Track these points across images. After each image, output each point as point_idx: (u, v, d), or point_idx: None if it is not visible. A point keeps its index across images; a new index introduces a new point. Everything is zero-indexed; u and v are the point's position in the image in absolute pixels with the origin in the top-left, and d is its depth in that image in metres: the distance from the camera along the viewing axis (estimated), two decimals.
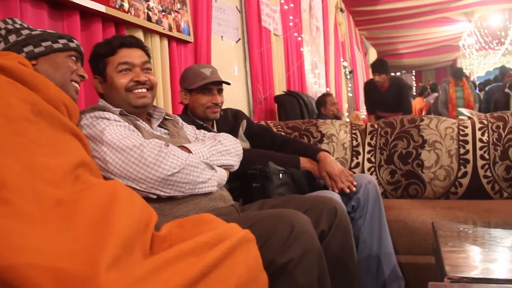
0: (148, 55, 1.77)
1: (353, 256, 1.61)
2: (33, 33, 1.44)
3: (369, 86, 5.88)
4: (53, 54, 1.43)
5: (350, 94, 9.11)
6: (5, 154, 1.00)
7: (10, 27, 1.42)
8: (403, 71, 17.85)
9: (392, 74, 6.62)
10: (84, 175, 1.18)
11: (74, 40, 1.53)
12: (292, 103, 4.53)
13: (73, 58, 1.50)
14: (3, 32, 1.41)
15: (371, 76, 6.13)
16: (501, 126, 2.57)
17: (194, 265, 0.87)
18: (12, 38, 1.40)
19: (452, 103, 7.18)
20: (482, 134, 2.59)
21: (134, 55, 1.69)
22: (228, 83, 2.21)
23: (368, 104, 6.04)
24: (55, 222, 0.92)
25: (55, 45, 1.44)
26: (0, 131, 1.04)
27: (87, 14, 2.14)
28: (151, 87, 1.71)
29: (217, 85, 2.16)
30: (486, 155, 2.54)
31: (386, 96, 5.50)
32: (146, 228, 1.04)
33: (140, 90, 1.68)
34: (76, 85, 1.51)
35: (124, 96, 1.67)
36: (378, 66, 5.55)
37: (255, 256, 1.05)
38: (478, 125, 2.62)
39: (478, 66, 15.04)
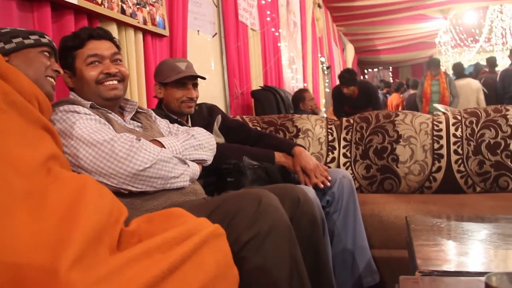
0: (117, 46, 1.74)
1: (324, 250, 1.59)
2: (2, 31, 1.41)
3: (338, 93, 5.76)
4: (25, 50, 1.40)
5: (328, 90, 9.14)
6: None
7: None
8: (380, 67, 18.01)
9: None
10: (55, 168, 1.15)
11: (46, 36, 1.49)
12: (269, 98, 4.53)
13: (46, 53, 1.46)
14: None
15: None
16: (474, 122, 2.60)
17: (161, 262, 0.85)
18: None
19: (426, 97, 6.79)
20: (456, 129, 2.62)
21: (103, 47, 1.66)
22: (203, 78, 2.19)
23: (336, 111, 5.93)
24: (22, 214, 0.89)
25: (26, 41, 1.41)
26: None
27: (58, 6, 2.08)
28: (122, 79, 1.68)
29: (192, 80, 2.14)
30: (459, 150, 2.57)
31: (356, 102, 5.47)
32: (115, 223, 1.01)
33: (110, 82, 1.64)
34: (52, 80, 1.47)
35: (95, 89, 1.63)
36: (346, 79, 5.42)
37: (225, 251, 1.04)
38: (452, 121, 2.65)
39: (454, 62, 15.23)
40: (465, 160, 2.56)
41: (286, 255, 1.26)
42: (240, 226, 1.21)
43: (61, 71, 1.53)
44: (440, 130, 2.63)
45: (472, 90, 6.76)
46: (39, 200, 0.96)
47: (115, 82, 1.65)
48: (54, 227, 0.87)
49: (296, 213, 1.50)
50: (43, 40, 1.46)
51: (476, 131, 2.57)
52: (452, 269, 1.07)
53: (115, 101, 1.69)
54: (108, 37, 1.70)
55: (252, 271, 1.20)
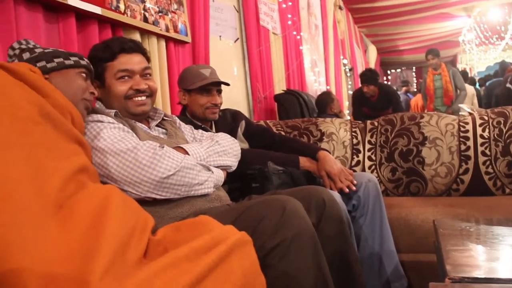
0: (148, 58, 1.75)
1: (352, 252, 1.58)
2: (46, 51, 1.47)
3: (359, 96, 5.73)
4: (64, 70, 1.45)
5: (350, 92, 9.08)
6: (11, 152, 1.00)
7: (23, 46, 1.46)
8: (403, 68, 17.81)
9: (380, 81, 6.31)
10: (83, 180, 1.17)
11: (84, 59, 1.54)
12: (292, 102, 4.51)
13: (83, 75, 1.51)
14: (17, 51, 1.45)
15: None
16: (502, 122, 2.56)
17: (189, 272, 0.85)
18: (26, 55, 1.43)
19: (429, 94, 6.33)
20: (483, 130, 2.57)
21: (133, 61, 1.66)
22: (227, 84, 2.20)
23: (355, 114, 5.86)
24: (54, 226, 0.91)
25: (67, 62, 1.46)
26: (7, 130, 1.04)
27: (83, 16, 2.12)
28: (151, 94, 1.69)
29: (216, 86, 2.15)
30: (487, 151, 2.53)
31: (376, 106, 5.42)
32: (142, 233, 1.02)
33: (139, 98, 1.66)
34: (87, 102, 1.51)
35: (123, 103, 1.65)
36: (367, 77, 5.41)
37: (252, 259, 1.03)
38: (478, 121, 2.61)
39: (479, 61, 14.99)
40: (493, 161, 2.51)
41: (310, 263, 1.25)
42: (265, 233, 1.21)
43: (96, 93, 1.56)
44: (467, 131, 2.59)
45: (467, 98, 6.50)
46: (68, 211, 0.97)
47: (144, 98, 1.67)
48: (82, 237, 0.88)
49: (322, 215, 1.50)
50: (82, 62, 1.51)
51: (504, 132, 2.52)
52: (483, 276, 1.05)
53: (142, 116, 1.71)
54: (140, 50, 1.71)
55: (277, 279, 1.20)
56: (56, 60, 1.45)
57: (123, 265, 0.85)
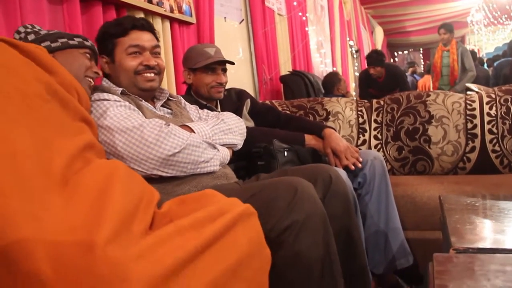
0: (157, 39, 1.76)
1: (357, 231, 1.58)
2: (51, 32, 1.50)
3: (365, 77, 5.66)
4: (68, 49, 1.48)
5: (357, 74, 9.03)
6: (20, 125, 1.01)
7: (29, 30, 1.49)
8: (410, 49, 17.66)
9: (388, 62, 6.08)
10: (89, 156, 1.19)
11: (89, 40, 1.57)
12: (298, 83, 4.50)
13: (88, 55, 1.53)
14: (22, 35, 1.48)
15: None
16: (510, 100, 2.54)
17: (194, 239, 0.86)
18: (31, 37, 1.48)
19: (436, 71, 5.94)
20: (490, 108, 2.55)
21: (145, 38, 1.69)
22: (232, 63, 2.19)
23: (361, 96, 5.74)
24: (59, 198, 0.92)
25: (71, 42, 1.49)
26: (16, 104, 1.05)
27: None
28: (159, 72, 1.72)
29: (221, 65, 2.14)
30: (494, 129, 2.52)
31: (383, 87, 5.33)
32: (148, 206, 1.03)
33: (148, 74, 1.68)
34: (90, 80, 1.53)
35: (132, 78, 1.67)
36: (373, 59, 5.35)
37: (257, 230, 1.04)
38: (485, 99, 2.59)
39: (487, 42, 14.85)
40: (500, 140, 2.50)
41: (320, 244, 1.26)
42: (277, 215, 1.21)
43: (100, 73, 1.59)
44: (474, 109, 2.57)
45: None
46: (74, 185, 0.98)
47: (153, 74, 1.69)
48: (88, 209, 0.89)
49: (328, 192, 1.51)
50: (86, 43, 1.54)
51: (511, 109, 2.51)
52: (488, 246, 1.05)
53: (150, 92, 1.73)
54: (150, 29, 1.73)
55: (287, 258, 1.21)
56: (60, 40, 1.47)
57: (129, 234, 0.86)
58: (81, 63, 1.49)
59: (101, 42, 1.71)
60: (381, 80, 5.40)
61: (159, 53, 1.75)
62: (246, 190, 1.35)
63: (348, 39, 8.45)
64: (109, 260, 0.74)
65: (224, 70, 2.17)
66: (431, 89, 6.36)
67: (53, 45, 1.45)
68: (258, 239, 1.02)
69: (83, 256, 0.74)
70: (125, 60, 1.66)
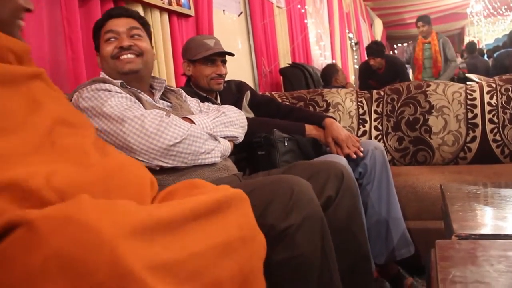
0: (143, 24, 1.74)
1: (361, 221, 1.59)
2: None
3: (365, 69, 5.65)
4: None
5: (356, 66, 9.01)
6: None
7: None
8: (410, 41, 17.63)
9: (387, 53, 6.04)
10: (61, 137, 1.07)
11: None
12: (298, 75, 4.49)
13: None
14: None
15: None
16: (510, 89, 2.53)
17: (181, 206, 0.84)
18: None
19: (417, 64, 5.94)
20: (491, 98, 2.55)
21: (119, 23, 1.68)
22: (232, 54, 2.18)
23: (361, 87, 5.73)
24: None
25: None
26: None
27: None
28: (140, 53, 1.67)
29: (220, 56, 2.14)
30: (495, 119, 2.51)
31: (383, 78, 5.33)
32: (151, 187, 1.04)
33: (125, 56, 1.65)
34: (20, 22, 1.18)
35: (112, 64, 1.66)
36: (373, 50, 5.34)
37: (249, 215, 1.01)
38: (486, 89, 2.58)
39: (487, 33, 14.80)
40: (501, 129, 2.49)
41: (317, 247, 1.24)
42: (273, 217, 1.19)
43: (32, 7, 1.22)
44: (474, 99, 2.57)
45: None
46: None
47: (131, 56, 1.65)
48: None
49: (340, 188, 1.50)
50: None
51: None
52: (489, 232, 1.05)
53: (133, 75, 1.67)
54: (129, 14, 1.72)
55: (283, 261, 1.19)
56: None
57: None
58: (12, 2, 1.13)
59: (93, 40, 1.74)
60: (381, 71, 5.40)
61: (139, 35, 1.70)
62: (243, 186, 1.34)
63: (347, 31, 8.43)
64: (86, 213, 0.72)
65: (224, 62, 2.16)
66: None
67: None
68: (250, 224, 1.00)
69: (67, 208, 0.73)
70: (102, 47, 1.68)
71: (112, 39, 1.66)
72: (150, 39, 1.78)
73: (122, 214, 0.74)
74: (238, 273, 0.90)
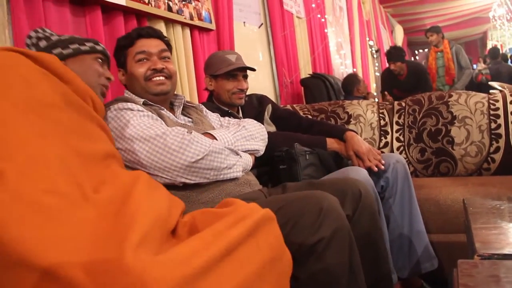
0: (168, 45, 1.79)
1: (381, 236, 1.59)
2: (62, 38, 1.50)
3: (387, 75, 5.64)
4: (80, 55, 1.48)
5: (377, 74, 8.96)
6: (46, 141, 1.04)
7: (40, 35, 1.48)
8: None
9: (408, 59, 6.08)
10: (111, 164, 1.21)
11: (100, 44, 1.57)
12: (319, 86, 4.50)
13: (100, 60, 1.54)
14: (34, 40, 1.47)
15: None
16: None
17: (217, 244, 0.87)
18: (43, 43, 1.46)
19: (431, 73, 5.93)
20: None
21: (151, 44, 1.73)
22: (253, 69, 2.21)
23: (384, 91, 5.80)
24: (89, 209, 0.95)
25: (83, 48, 1.49)
26: (39, 116, 1.08)
27: (108, 8, 2.16)
28: (169, 76, 1.74)
29: (242, 71, 2.16)
30: None
31: (405, 85, 5.32)
32: (174, 213, 1.06)
33: (157, 78, 1.70)
34: (103, 88, 1.55)
35: (144, 85, 1.70)
36: (393, 54, 5.33)
37: (277, 234, 1.04)
38: (509, 98, 2.55)
39: (510, 37, 14.57)
40: None
41: (346, 261, 1.26)
42: (303, 232, 1.22)
43: (112, 77, 1.60)
44: (497, 109, 2.54)
45: None
46: (101, 195, 1.01)
47: (162, 78, 1.71)
48: (114, 219, 0.92)
49: (358, 206, 1.51)
50: (98, 47, 1.54)
51: None
52: None
53: (163, 96, 1.74)
54: (157, 35, 1.77)
55: (312, 274, 1.21)
56: (71, 46, 1.48)
57: (154, 241, 0.89)
58: (93, 69, 1.50)
59: (115, 56, 1.77)
60: (403, 78, 5.36)
61: (168, 58, 1.77)
62: (271, 203, 1.35)
63: (367, 39, 8.41)
64: (137, 267, 0.76)
65: (245, 77, 2.19)
66: None
67: (64, 52, 1.45)
68: (278, 243, 1.03)
69: (115, 268, 0.77)
70: (134, 68, 1.71)
71: (144, 60, 1.71)
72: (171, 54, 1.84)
73: (167, 269, 0.79)
74: None
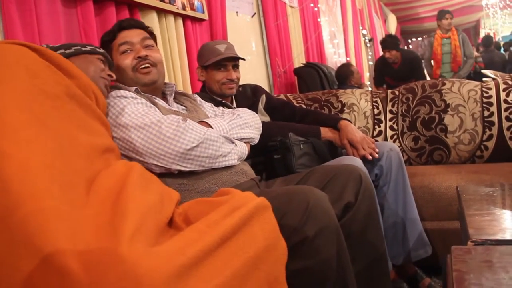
0: (151, 33, 1.80)
1: (378, 222, 1.61)
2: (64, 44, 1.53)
3: (382, 64, 5.63)
4: (82, 55, 1.50)
5: (371, 63, 8.96)
6: (46, 126, 1.05)
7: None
8: (424, 36, 17.45)
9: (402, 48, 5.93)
10: (110, 158, 1.22)
11: (100, 49, 1.60)
12: (312, 75, 4.50)
13: (101, 60, 1.56)
14: None
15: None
16: None
17: (211, 234, 0.88)
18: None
19: (436, 59, 5.86)
20: (507, 95, 2.53)
21: (132, 35, 1.73)
22: (242, 59, 2.20)
23: (377, 81, 5.81)
24: (85, 196, 0.96)
25: (84, 48, 1.52)
26: (40, 104, 1.09)
27: None
28: (154, 63, 1.73)
29: (232, 61, 2.15)
30: (511, 116, 2.49)
31: (399, 73, 5.34)
32: (168, 204, 1.07)
33: (144, 67, 1.70)
34: (106, 81, 1.56)
35: (132, 76, 1.71)
36: (388, 42, 5.33)
37: (272, 223, 1.04)
38: (502, 86, 2.56)
39: (503, 25, 14.60)
40: None
41: (333, 258, 1.24)
42: (288, 229, 1.18)
43: (114, 76, 1.61)
44: (490, 96, 2.55)
45: None
46: (96, 186, 1.02)
47: (148, 65, 1.71)
48: (110, 210, 0.93)
49: (359, 192, 1.52)
50: (98, 50, 1.57)
51: None
52: (507, 238, 1.05)
53: (153, 85, 1.74)
54: (139, 25, 1.78)
55: (298, 271, 1.19)
56: (73, 47, 1.50)
57: (149, 232, 0.89)
58: (96, 66, 1.52)
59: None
60: (397, 66, 5.37)
61: (152, 45, 1.76)
62: (261, 195, 1.35)
63: (361, 28, 8.39)
64: (131, 257, 0.77)
65: (236, 67, 2.18)
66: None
67: (67, 51, 1.47)
68: (274, 232, 1.03)
69: (109, 258, 0.77)
70: (120, 61, 1.71)
71: (128, 51, 1.71)
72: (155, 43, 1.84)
73: (161, 259, 0.79)
74: (264, 281, 0.94)
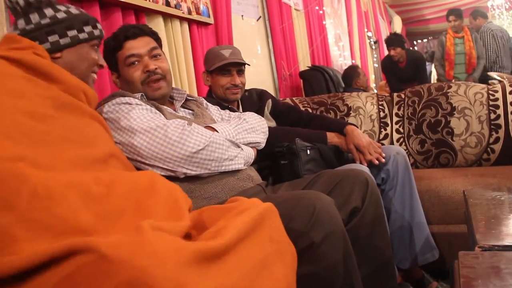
0: (157, 39, 1.76)
1: (385, 226, 1.61)
2: (58, 15, 1.35)
3: (388, 63, 5.58)
4: (78, 45, 1.39)
5: (376, 65, 8.95)
6: (37, 153, 1.02)
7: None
8: (430, 37, 17.40)
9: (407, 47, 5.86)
10: (114, 165, 1.22)
11: (98, 25, 1.47)
12: (318, 78, 4.50)
13: (96, 47, 1.47)
14: (21, 2, 1.32)
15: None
16: None
17: (222, 237, 0.90)
18: (34, 17, 1.32)
19: (449, 60, 5.61)
20: None
21: (139, 45, 1.69)
22: (247, 64, 2.20)
23: (390, 82, 5.68)
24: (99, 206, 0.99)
25: (81, 36, 1.39)
26: (29, 132, 1.05)
27: (106, 4, 2.16)
28: (163, 75, 1.71)
29: (236, 66, 2.16)
30: None
31: (404, 73, 5.31)
32: (185, 204, 1.10)
33: (155, 84, 1.68)
34: (94, 75, 1.49)
35: (141, 89, 1.69)
36: (393, 40, 5.31)
37: (281, 228, 1.04)
38: (508, 89, 2.55)
39: (509, 26, 14.52)
40: None
41: (339, 264, 1.23)
42: (295, 234, 1.18)
43: (105, 64, 1.55)
44: (496, 99, 2.54)
45: None
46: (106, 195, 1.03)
47: (158, 80, 1.69)
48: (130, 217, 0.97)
49: (366, 197, 1.52)
50: (96, 32, 1.44)
51: None
52: None
53: (162, 99, 1.73)
54: (145, 33, 1.73)
55: (305, 277, 1.18)
56: (69, 33, 1.36)
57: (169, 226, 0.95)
58: (90, 59, 1.43)
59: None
60: (403, 65, 5.34)
61: (159, 55, 1.73)
62: (268, 200, 1.35)
63: (366, 30, 8.38)
64: (156, 242, 0.81)
65: (240, 72, 2.18)
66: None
67: (61, 41, 1.34)
68: (283, 237, 1.04)
69: (137, 242, 0.82)
70: (128, 73, 1.69)
71: (136, 63, 1.68)
72: (161, 48, 1.79)
73: (184, 245, 0.83)
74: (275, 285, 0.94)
